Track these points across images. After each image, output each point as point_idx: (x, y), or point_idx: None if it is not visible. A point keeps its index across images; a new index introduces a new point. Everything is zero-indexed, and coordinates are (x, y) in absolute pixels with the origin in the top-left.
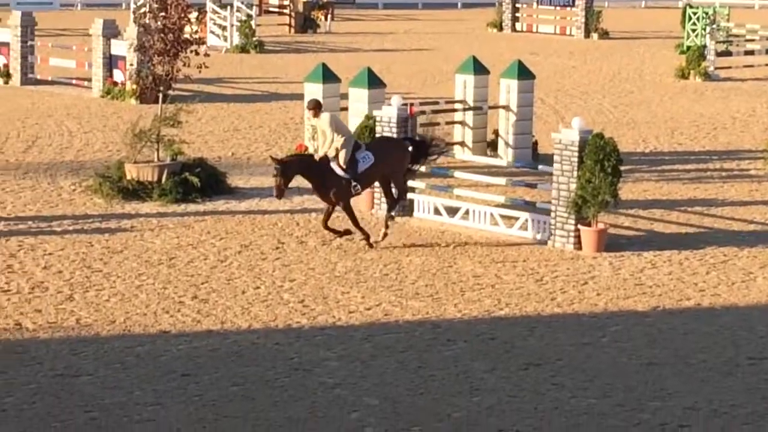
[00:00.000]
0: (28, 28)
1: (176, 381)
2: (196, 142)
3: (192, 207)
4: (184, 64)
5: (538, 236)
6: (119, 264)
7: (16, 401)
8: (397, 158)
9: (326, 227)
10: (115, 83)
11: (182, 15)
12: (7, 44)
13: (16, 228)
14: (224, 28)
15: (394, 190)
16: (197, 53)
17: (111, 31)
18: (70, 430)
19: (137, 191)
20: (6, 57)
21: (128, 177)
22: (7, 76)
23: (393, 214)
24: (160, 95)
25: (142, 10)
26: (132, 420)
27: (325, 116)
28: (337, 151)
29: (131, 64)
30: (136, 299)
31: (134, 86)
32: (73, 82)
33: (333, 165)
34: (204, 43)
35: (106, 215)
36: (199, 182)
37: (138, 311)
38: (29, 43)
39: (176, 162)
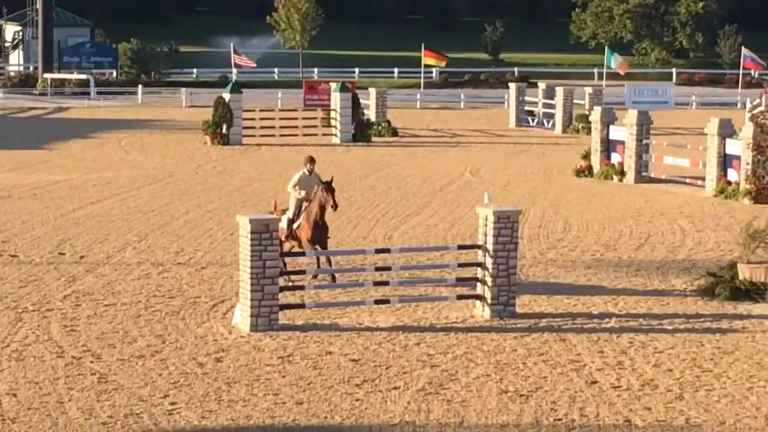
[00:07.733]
0: (644, 126)
1: None
2: None
3: None
4: None
5: None
6: (730, 365)
7: None
8: None
9: None
10: (729, 182)
11: None
12: (622, 142)
13: (627, 325)
14: None
15: None
16: None
17: (727, 131)
18: None
19: (749, 292)
20: (621, 155)
21: (740, 277)
22: (622, 173)
23: None
24: None
25: (758, 109)
26: None
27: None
28: None
29: (747, 164)
30: (747, 401)
31: (749, 186)
32: (687, 180)
33: None
34: None
35: (718, 315)
36: None
37: (748, 414)
38: (644, 141)
39: None
